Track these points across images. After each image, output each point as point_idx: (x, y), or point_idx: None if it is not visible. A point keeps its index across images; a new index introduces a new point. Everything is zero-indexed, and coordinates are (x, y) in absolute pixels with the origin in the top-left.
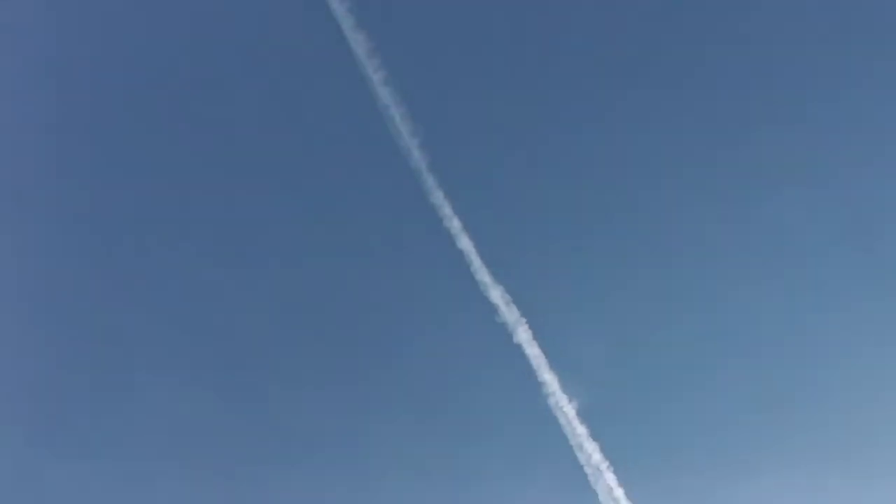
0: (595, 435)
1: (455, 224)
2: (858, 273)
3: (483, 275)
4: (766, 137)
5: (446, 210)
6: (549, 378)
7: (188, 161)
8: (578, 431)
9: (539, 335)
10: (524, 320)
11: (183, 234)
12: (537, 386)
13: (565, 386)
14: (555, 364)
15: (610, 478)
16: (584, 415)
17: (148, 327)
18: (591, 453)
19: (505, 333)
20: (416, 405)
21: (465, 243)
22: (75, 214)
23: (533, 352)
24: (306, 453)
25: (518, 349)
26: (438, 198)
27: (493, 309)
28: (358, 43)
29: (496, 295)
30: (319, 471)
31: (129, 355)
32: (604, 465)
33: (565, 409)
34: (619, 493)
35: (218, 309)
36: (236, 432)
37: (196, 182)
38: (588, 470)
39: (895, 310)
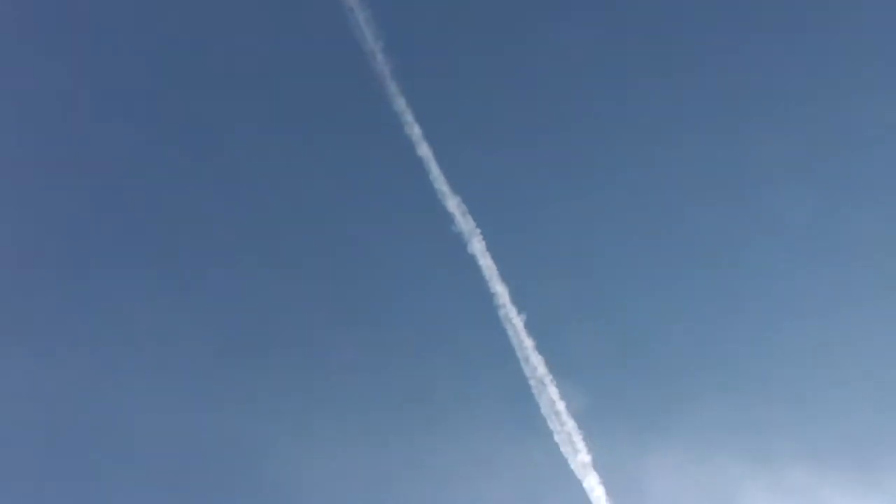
0: (542, 349)
1: (416, 131)
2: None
3: (441, 183)
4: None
5: (408, 117)
6: (500, 289)
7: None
8: (526, 344)
9: (493, 246)
10: (479, 231)
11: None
12: (488, 297)
13: (515, 298)
14: (506, 276)
15: (553, 391)
16: (531, 327)
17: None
18: (536, 366)
19: (460, 243)
20: (367, 311)
21: (424, 151)
22: None
23: (486, 262)
24: (263, 352)
25: (471, 259)
26: (400, 105)
27: (449, 218)
28: None
29: (453, 204)
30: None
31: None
32: (548, 379)
33: (514, 320)
34: (561, 406)
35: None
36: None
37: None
38: (532, 382)
39: None
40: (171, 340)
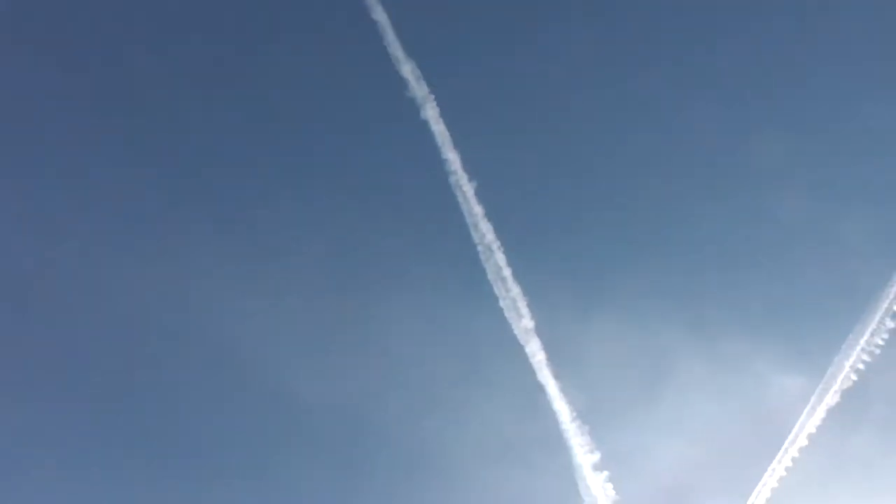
0: (491, 216)
1: None
2: None
3: (395, 48)
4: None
5: None
6: (451, 157)
7: None
8: (475, 211)
9: (446, 113)
10: (433, 97)
11: None
12: (440, 163)
13: (467, 165)
14: (459, 143)
15: (500, 258)
16: (482, 195)
17: None
18: (485, 233)
19: (413, 109)
20: (319, 173)
21: (379, 14)
22: None
23: (439, 129)
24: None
25: (424, 125)
26: None
27: (403, 83)
28: None
29: (407, 70)
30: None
31: None
32: (495, 246)
33: (465, 187)
34: (507, 273)
35: None
36: None
37: None
38: (480, 248)
39: None
40: (115, 186)
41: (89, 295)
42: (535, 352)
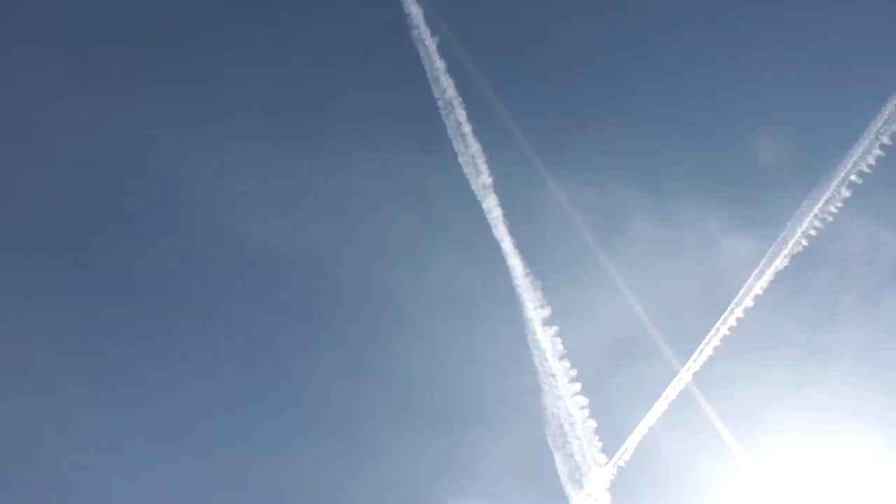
0: (452, 71)
1: None
2: None
3: None
4: None
5: None
6: (414, 10)
7: None
8: (437, 66)
9: None
10: None
11: None
12: (403, 17)
13: (429, 19)
14: None
15: (461, 114)
16: (444, 50)
17: None
18: (446, 88)
19: None
20: (275, 25)
21: None
22: None
23: None
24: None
25: None
26: None
27: None
28: None
29: None
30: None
31: None
32: (457, 101)
33: (427, 42)
34: (468, 129)
35: None
36: None
37: None
38: (441, 104)
39: None
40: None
41: (56, 144)
42: (492, 208)
